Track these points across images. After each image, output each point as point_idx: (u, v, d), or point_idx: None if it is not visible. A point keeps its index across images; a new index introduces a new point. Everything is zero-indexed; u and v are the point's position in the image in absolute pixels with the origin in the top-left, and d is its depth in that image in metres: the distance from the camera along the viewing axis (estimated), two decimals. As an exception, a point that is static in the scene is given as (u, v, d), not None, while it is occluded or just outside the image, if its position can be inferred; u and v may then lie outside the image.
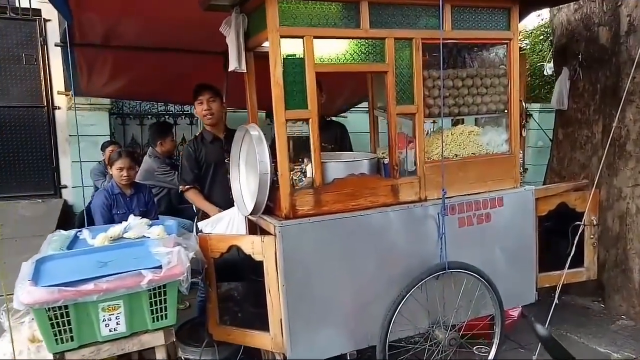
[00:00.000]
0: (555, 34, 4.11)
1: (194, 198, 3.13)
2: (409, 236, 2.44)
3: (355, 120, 5.97)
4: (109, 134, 6.23)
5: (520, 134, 3.24)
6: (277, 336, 2.26)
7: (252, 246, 2.28)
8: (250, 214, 2.38)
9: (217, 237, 2.44)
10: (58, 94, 5.81)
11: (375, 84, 2.89)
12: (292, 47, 2.20)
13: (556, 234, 2.98)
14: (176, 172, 4.19)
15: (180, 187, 3.19)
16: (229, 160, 2.67)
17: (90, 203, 3.76)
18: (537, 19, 9.08)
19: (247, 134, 2.41)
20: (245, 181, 2.56)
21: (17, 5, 5.66)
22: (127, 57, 3.87)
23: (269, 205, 2.35)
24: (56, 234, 2.45)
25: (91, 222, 3.36)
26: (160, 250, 1.99)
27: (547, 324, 2.75)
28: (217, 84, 3.32)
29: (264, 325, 2.32)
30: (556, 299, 2.74)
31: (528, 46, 9.83)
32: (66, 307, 1.75)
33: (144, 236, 2.41)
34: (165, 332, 1.97)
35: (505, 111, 2.70)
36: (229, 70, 2.60)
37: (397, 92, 2.40)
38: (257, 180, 2.23)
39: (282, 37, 2.13)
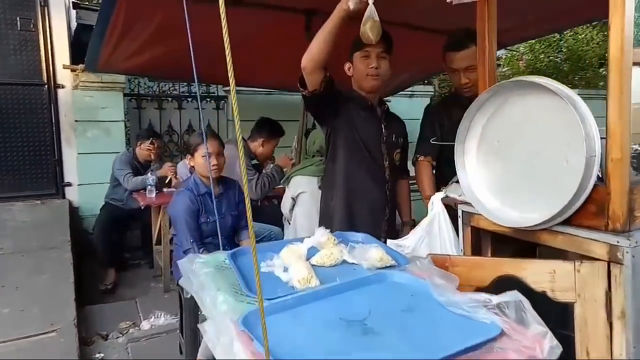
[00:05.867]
0: None
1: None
2: None
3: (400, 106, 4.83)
4: (123, 119, 5.10)
5: None
6: None
7: (552, 278, 1.34)
8: (540, 225, 1.42)
9: (466, 260, 1.49)
10: (63, 68, 4.62)
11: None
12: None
13: None
14: (259, 176, 3.29)
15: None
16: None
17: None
18: None
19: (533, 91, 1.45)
20: (489, 170, 1.61)
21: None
22: (180, 14, 2.83)
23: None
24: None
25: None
26: (470, 304, 1.03)
27: None
28: (288, 54, 2.27)
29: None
30: None
31: None
32: None
33: (344, 261, 1.44)
34: None
35: None
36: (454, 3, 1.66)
37: None
38: (582, 165, 1.28)
39: None
